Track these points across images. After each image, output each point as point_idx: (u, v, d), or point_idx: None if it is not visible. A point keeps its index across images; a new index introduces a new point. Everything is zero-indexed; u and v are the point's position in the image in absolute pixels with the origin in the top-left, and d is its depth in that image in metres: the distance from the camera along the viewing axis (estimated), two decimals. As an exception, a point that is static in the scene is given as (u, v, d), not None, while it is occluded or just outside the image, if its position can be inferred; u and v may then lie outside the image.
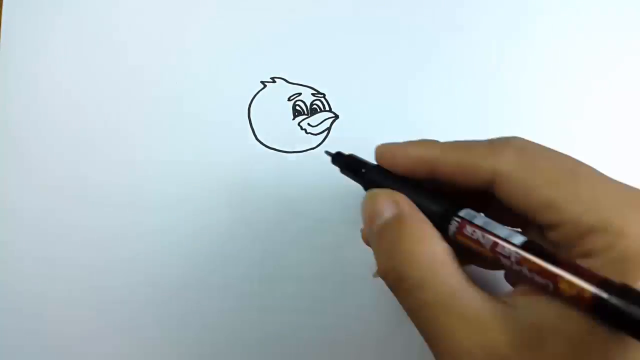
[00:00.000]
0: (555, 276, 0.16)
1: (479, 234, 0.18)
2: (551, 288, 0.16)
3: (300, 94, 0.33)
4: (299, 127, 0.33)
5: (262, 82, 0.33)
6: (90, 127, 0.33)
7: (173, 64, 0.33)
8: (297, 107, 0.33)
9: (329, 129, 0.32)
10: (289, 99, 0.33)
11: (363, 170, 0.24)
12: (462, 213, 0.19)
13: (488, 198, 0.20)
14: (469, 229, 0.18)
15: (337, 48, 0.33)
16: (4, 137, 0.33)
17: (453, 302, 0.18)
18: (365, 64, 0.33)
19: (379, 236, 0.21)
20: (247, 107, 0.33)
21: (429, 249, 0.19)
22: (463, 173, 0.20)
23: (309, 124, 0.32)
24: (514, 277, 0.18)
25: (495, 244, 0.17)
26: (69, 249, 0.32)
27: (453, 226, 0.19)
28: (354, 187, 0.32)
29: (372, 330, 0.31)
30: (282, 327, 0.31)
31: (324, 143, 0.32)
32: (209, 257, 0.32)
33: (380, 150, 0.23)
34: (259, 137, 0.33)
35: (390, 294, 0.30)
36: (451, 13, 0.34)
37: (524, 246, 0.17)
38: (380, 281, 0.31)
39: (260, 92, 0.33)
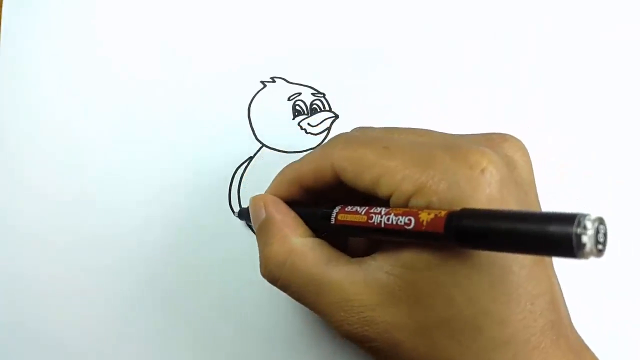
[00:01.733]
0: (416, 212, 0.19)
1: (356, 207, 0.22)
2: (413, 223, 0.19)
3: (300, 93, 0.33)
4: (299, 127, 0.33)
5: (262, 82, 0.33)
6: (89, 127, 0.33)
7: (173, 64, 0.33)
8: (297, 107, 0.33)
9: (329, 128, 0.32)
10: (289, 99, 0.33)
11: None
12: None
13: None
14: (349, 208, 0.22)
15: (337, 48, 0.33)
16: (3, 138, 0.33)
17: (318, 286, 0.22)
18: (365, 64, 0.33)
19: (257, 240, 0.25)
20: (247, 107, 0.33)
21: (287, 246, 0.23)
22: (317, 177, 0.24)
23: (309, 124, 0.32)
24: (381, 236, 0.21)
25: (370, 207, 0.21)
26: (64, 250, 0.32)
27: (336, 210, 0.23)
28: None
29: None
30: (282, 328, 0.31)
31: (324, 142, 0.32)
32: (208, 257, 0.32)
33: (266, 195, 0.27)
34: (259, 137, 0.33)
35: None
36: (452, 12, 0.34)
37: (388, 207, 0.21)
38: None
39: (260, 92, 0.33)
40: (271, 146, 0.32)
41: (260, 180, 0.32)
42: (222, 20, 0.34)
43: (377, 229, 0.21)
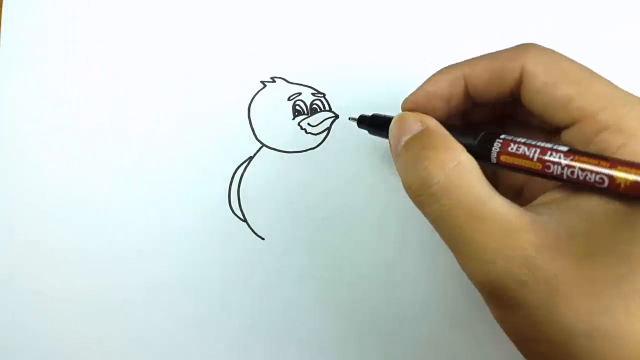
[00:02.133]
0: (608, 166, 0.16)
1: (523, 148, 0.18)
2: (606, 182, 0.16)
3: (300, 93, 0.33)
4: (299, 127, 0.33)
5: (262, 82, 0.33)
6: (89, 127, 0.33)
7: (173, 64, 0.33)
8: (297, 107, 0.33)
9: (329, 128, 0.32)
10: (289, 99, 0.33)
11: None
12: (502, 136, 0.20)
13: (511, 116, 0.22)
14: (512, 146, 0.19)
15: (337, 48, 0.33)
16: (3, 138, 0.33)
17: (479, 207, 0.19)
18: (365, 64, 0.33)
19: (405, 149, 0.22)
20: (247, 107, 0.33)
21: (454, 157, 0.20)
22: (494, 77, 0.21)
23: (309, 124, 0.32)
24: (556, 181, 0.18)
25: (544, 150, 0.18)
26: (67, 248, 0.32)
27: (496, 147, 0.20)
28: (354, 187, 0.32)
29: (372, 328, 0.31)
30: (281, 329, 0.31)
31: (323, 143, 0.32)
32: (208, 257, 0.32)
33: (409, 100, 0.24)
34: (259, 137, 0.33)
35: (387, 292, 0.30)
36: (452, 13, 0.34)
37: (569, 151, 0.18)
38: (381, 280, 0.31)
39: (260, 92, 0.33)
40: (271, 146, 0.32)
41: (260, 180, 0.32)
42: (222, 20, 0.34)
43: (552, 178, 0.18)
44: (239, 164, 0.32)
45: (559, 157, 0.17)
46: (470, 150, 0.20)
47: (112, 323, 0.31)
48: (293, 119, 0.33)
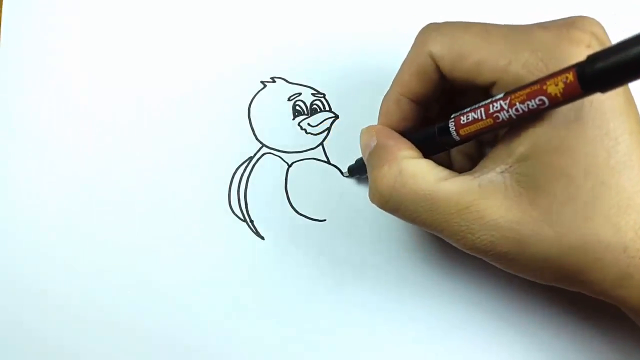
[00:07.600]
0: (541, 89, 0.18)
1: (470, 115, 0.21)
2: (547, 102, 0.18)
3: (300, 94, 0.33)
4: (299, 127, 0.33)
5: (262, 82, 0.33)
6: (89, 127, 0.33)
7: (173, 64, 0.33)
8: (297, 107, 0.33)
9: (329, 129, 0.32)
10: (289, 99, 0.33)
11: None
12: (452, 115, 0.22)
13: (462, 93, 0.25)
14: (462, 118, 0.21)
15: (338, 48, 0.33)
16: (3, 138, 0.33)
17: (432, 203, 0.22)
18: (365, 64, 0.33)
19: (367, 169, 0.25)
20: (247, 107, 0.33)
21: (396, 167, 0.23)
22: (421, 78, 0.23)
23: (309, 124, 0.33)
24: (512, 124, 0.20)
25: (486, 106, 0.20)
26: (71, 250, 0.32)
27: (452, 127, 0.22)
28: (353, 187, 0.32)
29: (372, 328, 0.31)
30: (281, 328, 0.31)
31: (324, 143, 0.32)
32: (208, 257, 0.32)
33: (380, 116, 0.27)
34: (259, 137, 0.33)
35: (387, 291, 0.30)
36: (453, 14, 0.34)
37: (505, 94, 0.20)
38: (381, 280, 0.31)
39: (260, 92, 0.33)
40: (271, 146, 0.32)
41: (260, 180, 0.32)
42: (222, 20, 0.34)
43: (507, 123, 0.20)
44: (239, 164, 0.32)
45: (500, 106, 0.19)
46: (435, 141, 0.23)
47: (111, 322, 0.31)
48: (293, 119, 0.33)
